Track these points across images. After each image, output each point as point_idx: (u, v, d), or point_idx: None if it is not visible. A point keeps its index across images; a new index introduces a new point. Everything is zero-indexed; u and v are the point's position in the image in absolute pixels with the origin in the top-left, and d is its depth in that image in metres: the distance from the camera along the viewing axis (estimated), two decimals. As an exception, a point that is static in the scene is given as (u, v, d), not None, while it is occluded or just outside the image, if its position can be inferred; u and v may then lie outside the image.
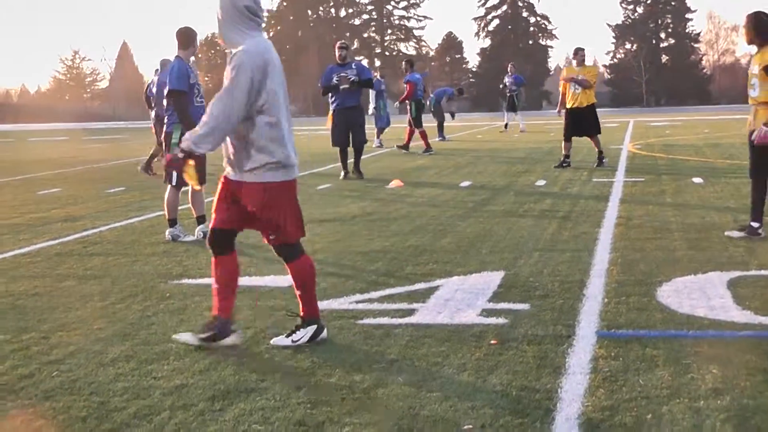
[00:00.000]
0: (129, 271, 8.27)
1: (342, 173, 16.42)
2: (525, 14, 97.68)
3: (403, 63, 25.28)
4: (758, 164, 9.17)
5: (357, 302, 6.84)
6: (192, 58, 10.16)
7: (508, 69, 33.91)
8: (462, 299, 6.79)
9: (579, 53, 17.84)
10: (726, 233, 9.32)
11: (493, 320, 6.16)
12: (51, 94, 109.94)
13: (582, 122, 17.33)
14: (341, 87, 16.02)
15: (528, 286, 7.17)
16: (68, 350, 5.74)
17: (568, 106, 17.42)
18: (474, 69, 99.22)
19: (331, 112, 16.30)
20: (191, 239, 9.84)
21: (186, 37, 10.02)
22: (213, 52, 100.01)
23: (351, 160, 16.52)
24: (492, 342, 5.63)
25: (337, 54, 16.60)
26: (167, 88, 9.79)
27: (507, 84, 32.90)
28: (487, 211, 11.64)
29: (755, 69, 9.09)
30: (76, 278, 8.03)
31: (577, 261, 8.12)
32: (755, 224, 9.18)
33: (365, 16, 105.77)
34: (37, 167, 21.10)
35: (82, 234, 10.63)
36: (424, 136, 23.17)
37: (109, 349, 5.73)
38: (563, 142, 17.56)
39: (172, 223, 9.98)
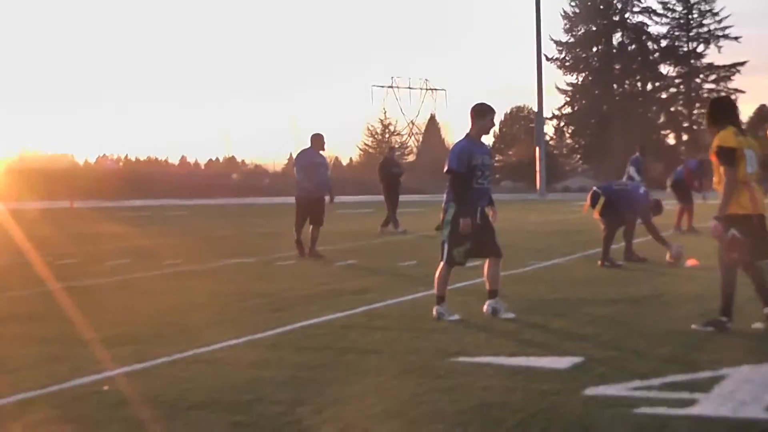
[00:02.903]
0: (408, 347, 8.30)
1: (608, 263, 14.94)
2: None
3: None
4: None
5: (635, 389, 6.52)
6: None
7: None
8: (749, 391, 6.33)
9: None
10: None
11: (781, 416, 5.71)
12: (361, 167, 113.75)
13: None
14: None
15: (825, 380, 6.60)
16: (338, 426, 5.78)
17: None
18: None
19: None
20: (455, 318, 9.77)
21: (476, 113, 10.02)
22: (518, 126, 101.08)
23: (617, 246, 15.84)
24: (778, 441, 5.20)
25: None
26: (447, 167, 9.87)
27: None
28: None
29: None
30: (357, 352, 8.14)
31: None
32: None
33: (672, 90, 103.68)
34: (339, 239, 21.85)
35: (369, 307, 10.83)
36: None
37: (376, 428, 5.73)
38: None
39: (440, 300, 9.96)
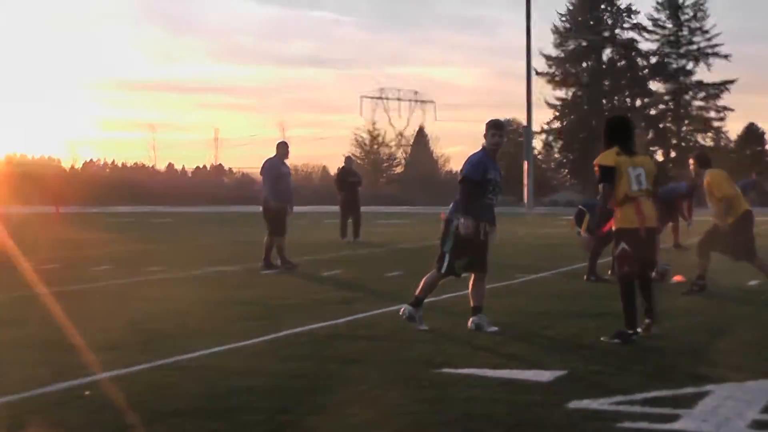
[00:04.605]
0: (392, 357, 8.28)
1: (594, 277, 15.07)
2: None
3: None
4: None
5: (619, 403, 6.50)
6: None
7: None
8: (732, 407, 6.32)
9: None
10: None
11: (763, 433, 5.70)
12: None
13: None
14: None
15: (809, 398, 6.60)
16: (318, 435, 5.76)
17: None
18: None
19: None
20: (424, 328, 9.75)
21: (487, 128, 9.99)
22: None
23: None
24: (759, 457, 5.19)
25: None
26: (462, 174, 9.83)
27: None
28: (775, 312, 10.94)
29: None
30: (340, 361, 8.11)
31: None
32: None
33: (662, 106, 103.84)
34: (325, 248, 21.83)
35: (354, 317, 10.80)
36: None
37: (365, 438, 5.71)
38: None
39: (418, 302, 9.94)
